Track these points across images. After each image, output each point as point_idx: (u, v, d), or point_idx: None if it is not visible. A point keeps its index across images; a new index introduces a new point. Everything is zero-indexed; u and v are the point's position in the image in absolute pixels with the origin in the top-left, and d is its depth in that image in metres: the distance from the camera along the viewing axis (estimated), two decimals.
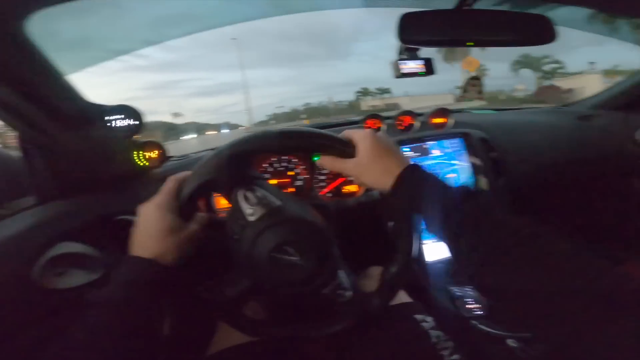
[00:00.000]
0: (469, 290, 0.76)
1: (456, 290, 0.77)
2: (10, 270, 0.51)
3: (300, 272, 0.41)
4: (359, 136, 0.46)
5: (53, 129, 0.57)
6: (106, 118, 0.68)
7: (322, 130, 0.46)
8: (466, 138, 0.89)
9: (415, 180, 0.42)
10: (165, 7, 0.78)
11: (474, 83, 0.87)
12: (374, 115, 1.00)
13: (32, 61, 0.49)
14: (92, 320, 0.37)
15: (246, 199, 0.44)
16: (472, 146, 0.88)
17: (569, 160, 1.04)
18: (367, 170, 0.45)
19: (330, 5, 1.13)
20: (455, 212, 0.38)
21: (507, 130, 1.00)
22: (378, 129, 0.97)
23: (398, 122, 0.97)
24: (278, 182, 0.78)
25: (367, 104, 32.23)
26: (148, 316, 0.38)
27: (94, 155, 0.66)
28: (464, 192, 0.40)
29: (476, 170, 0.88)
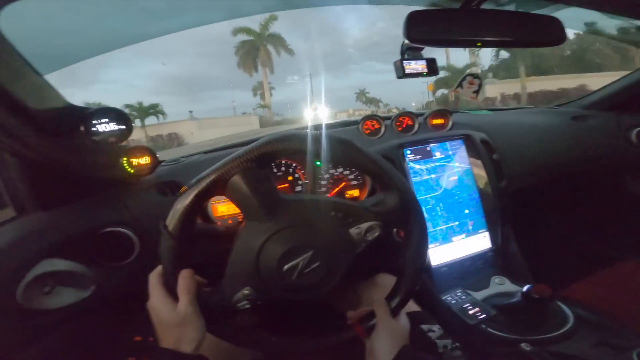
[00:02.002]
0: (466, 296, 0.75)
1: (456, 297, 0.76)
2: None
3: (310, 278, 0.41)
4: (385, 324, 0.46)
5: (28, 134, 0.51)
6: (90, 122, 0.64)
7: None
8: (467, 139, 0.88)
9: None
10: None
11: (472, 81, 0.83)
12: (371, 116, 0.98)
13: (3, 58, 0.44)
14: None
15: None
16: (473, 148, 0.87)
17: (564, 160, 1.05)
18: (385, 337, 0.44)
19: (335, 1, 1.08)
20: None
21: (504, 131, 0.99)
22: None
23: (397, 124, 0.95)
24: None
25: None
26: None
27: (77, 164, 0.61)
28: None
29: (477, 172, 0.87)
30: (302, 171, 0.75)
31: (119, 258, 0.61)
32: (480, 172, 0.86)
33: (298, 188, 0.75)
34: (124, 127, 0.66)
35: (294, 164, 0.75)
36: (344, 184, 0.76)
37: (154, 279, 0.43)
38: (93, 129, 0.64)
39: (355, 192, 0.77)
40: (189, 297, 0.40)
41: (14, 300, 0.49)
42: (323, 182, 0.75)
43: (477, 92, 0.83)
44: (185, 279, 0.41)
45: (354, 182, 0.77)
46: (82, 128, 0.64)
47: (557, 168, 1.03)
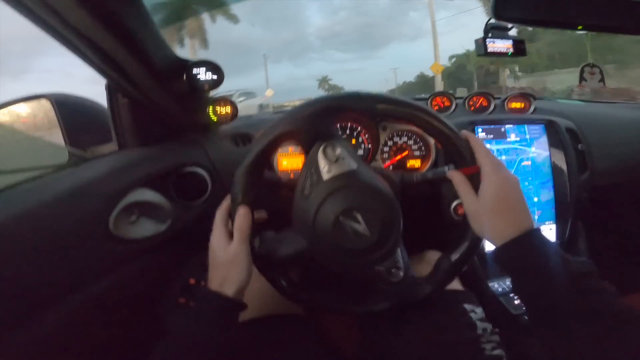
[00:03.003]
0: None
1: (504, 285, 0.74)
2: (89, 213, 0.52)
3: (362, 242, 0.40)
4: (490, 161, 0.41)
5: (144, 80, 0.58)
6: (191, 72, 0.67)
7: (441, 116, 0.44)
8: (550, 126, 0.81)
9: (536, 249, 0.37)
10: None
11: (592, 71, 0.75)
12: (441, 92, 0.95)
13: (134, 10, 0.47)
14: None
15: (325, 154, 0.43)
16: (556, 135, 0.80)
17: None
18: (490, 212, 0.39)
19: None
20: (568, 302, 0.34)
21: (595, 123, 0.89)
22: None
23: (470, 103, 0.91)
24: None
25: None
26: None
27: (174, 107, 0.68)
28: (584, 272, 0.35)
29: (556, 161, 0.80)
30: (367, 135, 0.77)
31: (193, 197, 0.65)
32: (560, 162, 0.79)
33: (360, 152, 0.77)
34: (217, 77, 0.75)
35: (359, 127, 0.77)
36: (406, 152, 0.76)
37: (219, 214, 0.44)
38: (193, 78, 0.74)
39: (416, 163, 0.77)
40: (240, 235, 0.41)
41: (106, 226, 0.53)
42: (385, 149, 0.77)
43: (602, 80, 0.76)
44: (239, 217, 0.41)
45: (417, 153, 0.77)
46: (184, 77, 0.73)
47: None
